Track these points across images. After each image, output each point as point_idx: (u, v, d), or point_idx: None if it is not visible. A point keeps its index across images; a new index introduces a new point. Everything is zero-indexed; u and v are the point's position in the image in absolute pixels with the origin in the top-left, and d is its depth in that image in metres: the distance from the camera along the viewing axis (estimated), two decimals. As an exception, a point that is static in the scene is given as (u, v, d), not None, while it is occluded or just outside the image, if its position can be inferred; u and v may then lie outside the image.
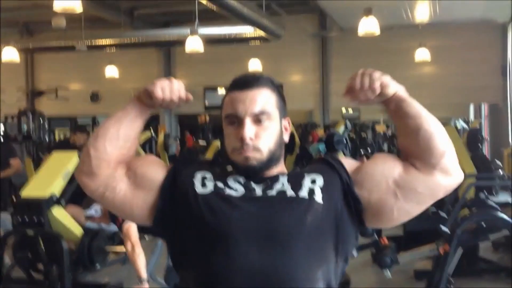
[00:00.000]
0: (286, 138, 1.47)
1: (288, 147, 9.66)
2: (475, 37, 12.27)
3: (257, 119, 1.38)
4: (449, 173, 1.39)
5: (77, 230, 5.19)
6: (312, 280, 1.30)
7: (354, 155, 9.82)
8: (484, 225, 3.69)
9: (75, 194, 5.53)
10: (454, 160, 1.40)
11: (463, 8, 10.49)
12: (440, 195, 1.42)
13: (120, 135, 1.44)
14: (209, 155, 9.76)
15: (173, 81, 1.45)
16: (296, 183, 1.37)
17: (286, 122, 1.46)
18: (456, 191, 5.02)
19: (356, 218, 1.40)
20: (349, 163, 1.45)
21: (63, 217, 5.21)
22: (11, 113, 10.86)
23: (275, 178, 1.39)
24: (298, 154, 9.43)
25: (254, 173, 1.39)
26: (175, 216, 1.39)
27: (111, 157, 1.42)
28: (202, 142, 11.97)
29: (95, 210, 4.07)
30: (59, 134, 13.23)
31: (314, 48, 13.65)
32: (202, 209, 1.33)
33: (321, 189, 1.37)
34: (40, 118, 10.37)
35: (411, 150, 1.40)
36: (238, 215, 1.32)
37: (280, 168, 1.45)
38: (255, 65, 12.85)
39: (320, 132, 11.15)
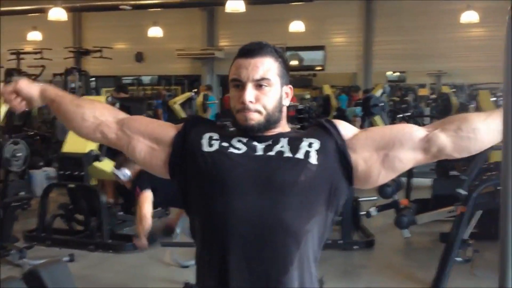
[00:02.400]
0: (286, 102, 1.60)
1: (325, 110, 9.69)
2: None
3: (258, 85, 1.52)
4: (436, 159, 1.57)
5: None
6: (303, 224, 1.46)
7: (393, 118, 9.76)
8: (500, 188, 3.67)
9: (112, 150, 5.80)
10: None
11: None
12: (412, 166, 1.59)
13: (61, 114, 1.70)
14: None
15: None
16: (294, 146, 1.52)
17: (287, 89, 1.60)
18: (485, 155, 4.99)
19: (347, 178, 1.54)
20: (346, 129, 1.58)
21: (106, 166, 5.51)
22: (58, 72, 11.23)
23: (277, 141, 1.54)
24: (335, 116, 9.45)
25: (252, 131, 1.54)
26: (185, 169, 1.57)
27: (83, 125, 1.67)
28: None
29: (123, 174, 4.26)
30: (105, 93, 13.61)
31: (357, 9, 13.40)
32: (207, 165, 1.51)
33: (316, 152, 1.51)
34: (86, 77, 10.68)
35: (461, 135, 1.52)
36: (238, 169, 1.49)
37: (280, 128, 1.59)
38: (297, 26, 12.77)
39: (360, 95, 11.09)
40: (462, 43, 12.59)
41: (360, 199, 5.77)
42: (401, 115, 9.64)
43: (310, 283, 1.50)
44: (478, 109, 6.58)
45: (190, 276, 4.01)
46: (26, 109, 1.73)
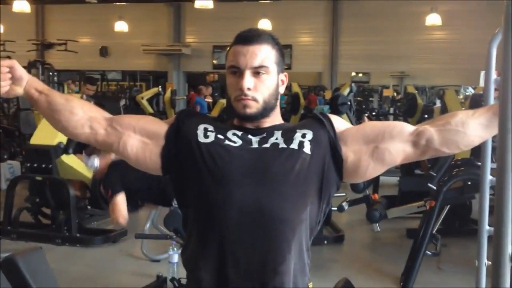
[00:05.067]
0: (281, 90, 1.62)
1: (293, 108, 9.72)
2: (486, 2, 12.14)
3: (256, 72, 1.52)
4: (425, 155, 1.57)
5: (88, 173, 5.38)
6: (298, 214, 1.48)
7: (359, 117, 9.91)
8: (469, 184, 3.83)
9: (82, 143, 5.70)
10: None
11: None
12: (401, 162, 1.59)
13: (49, 106, 1.60)
14: (215, 112, 9.91)
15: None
16: (288, 137, 1.54)
17: (283, 76, 1.61)
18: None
19: (338, 170, 1.56)
20: (339, 122, 1.61)
21: (74, 162, 5.41)
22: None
23: (271, 133, 1.55)
24: (302, 114, 9.53)
25: (250, 119, 1.55)
26: (180, 161, 1.55)
27: (82, 120, 1.58)
28: (208, 100, 12.08)
29: (91, 164, 4.13)
30: (68, 86, 13.37)
31: (324, 9, 13.55)
32: (203, 155, 1.50)
33: (310, 142, 1.53)
34: (49, 71, 10.47)
35: (451, 129, 1.53)
36: (235, 161, 1.49)
37: (274, 117, 1.60)
38: (264, 25, 12.82)
39: (328, 94, 11.20)
40: (424, 45, 12.87)
41: (329, 195, 5.83)
42: (366, 114, 9.80)
43: (304, 272, 1.52)
44: (443, 109, 6.76)
45: (162, 269, 4.00)
46: (4, 96, 1.65)
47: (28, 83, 1.60)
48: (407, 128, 1.56)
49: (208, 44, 13.98)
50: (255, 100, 1.52)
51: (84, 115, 1.58)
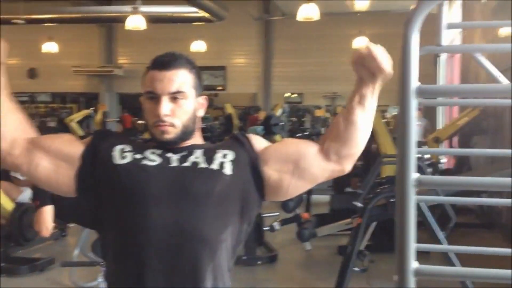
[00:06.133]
0: (201, 113, 1.63)
1: (227, 129, 9.78)
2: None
3: (173, 98, 1.52)
4: (342, 167, 1.58)
5: (8, 205, 5.17)
6: (218, 234, 1.49)
7: (292, 137, 10.08)
8: (393, 201, 3.96)
9: (5, 170, 5.48)
10: (354, 161, 1.59)
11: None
12: (324, 179, 1.61)
13: None
14: (148, 135, 9.79)
15: None
16: (209, 157, 1.54)
17: (201, 99, 1.62)
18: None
19: (259, 190, 1.58)
20: (258, 142, 1.63)
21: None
22: None
23: (191, 152, 1.56)
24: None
25: (169, 144, 1.55)
26: (96, 184, 1.52)
27: (7, 134, 1.49)
28: (141, 122, 11.93)
29: (24, 197, 3.98)
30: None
31: (257, 32, 13.76)
32: (120, 177, 1.49)
33: (231, 162, 1.54)
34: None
35: (336, 132, 1.56)
36: (153, 180, 1.48)
37: (194, 139, 1.61)
38: (198, 46, 12.86)
39: (262, 115, 11.32)
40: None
41: (262, 215, 5.88)
42: (299, 134, 9.97)
43: None
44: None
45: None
46: None
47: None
48: (315, 147, 1.58)
49: (141, 65, 13.81)
50: (173, 125, 1.52)
51: (11, 132, 1.49)
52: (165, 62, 1.54)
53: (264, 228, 5.70)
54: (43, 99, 16.80)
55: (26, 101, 15.57)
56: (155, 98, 1.52)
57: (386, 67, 1.50)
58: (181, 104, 1.53)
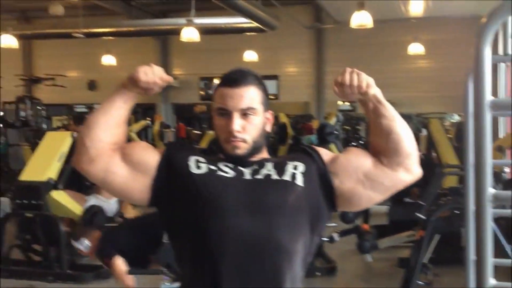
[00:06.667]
0: (268, 128, 1.67)
1: (281, 138, 9.78)
2: (468, 31, 12.37)
3: (244, 114, 1.58)
4: (410, 172, 1.60)
5: (77, 209, 5.36)
6: (293, 244, 1.51)
7: (346, 146, 10.00)
8: (458, 213, 3.88)
9: (73, 179, 5.70)
10: (416, 160, 1.61)
11: (456, 3, 10.63)
12: (400, 188, 1.64)
13: (111, 123, 1.57)
14: (203, 144, 9.94)
15: (153, 66, 1.63)
16: (280, 169, 1.58)
17: (268, 114, 1.67)
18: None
19: (329, 202, 1.61)
20: (326, 154, 1.66)
21: (63, 198, 5.40)
22: (9, 100, 10.99)
23: (262, 164, 1.60)
24: (291, 145, 9.60)
25: (240, 160, 1.59)
26: (172, 194, 1.57)
27: (106, 144, 1.57)
28: (196, 132, 12.13)
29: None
30: (56, 122, 13.35)
31: (309, 40, 13.74)
32: (198, 187, 1.53)
33: (302, 174, 1.57)
34: (38, 105, 10.49)
35: (381, 148, 1.60)
36: (231, 191, 1.52)
37: (263, 154, 1.65)
38: (250, 56, 12.97)
39: (315, 123, 11.30)
40: (409, 73, 13.07)
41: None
42: (354, 143, 9.89)
43: None
44: (429, 137, 6.86)
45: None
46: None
47: None
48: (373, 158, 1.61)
49: (195, 76, 14.09)
50: (244, 141, 1.57)
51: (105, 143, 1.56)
52: (235, 79, 1.59)
53: (323, 239, 5.67)
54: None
55: (86, 112, 16.10)
56: (226, 114, 1.57)
57: (363, 86, 1.57)
58: (252, 120, 1.58)
